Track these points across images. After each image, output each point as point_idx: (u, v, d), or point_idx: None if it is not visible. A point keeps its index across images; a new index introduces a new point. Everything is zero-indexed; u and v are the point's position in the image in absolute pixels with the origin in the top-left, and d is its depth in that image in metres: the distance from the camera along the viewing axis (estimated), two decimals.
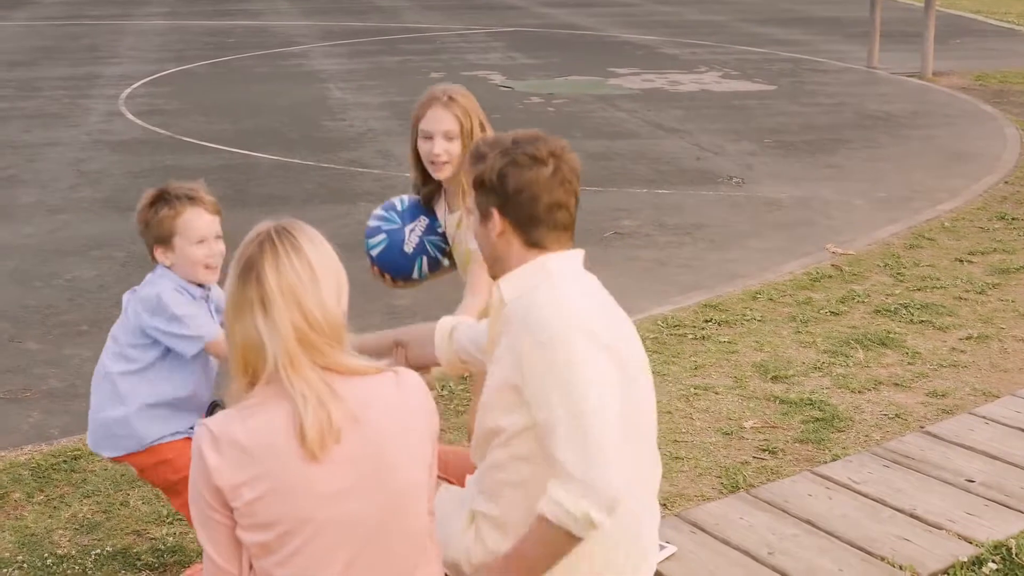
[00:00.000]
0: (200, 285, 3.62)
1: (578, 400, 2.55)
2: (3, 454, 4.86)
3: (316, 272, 2.23)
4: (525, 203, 2.74)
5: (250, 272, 2.21)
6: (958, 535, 3.92)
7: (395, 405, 2.27)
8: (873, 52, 16.71)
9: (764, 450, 4.92)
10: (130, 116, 12.81)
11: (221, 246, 3.62)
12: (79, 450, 4.85)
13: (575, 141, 11.58)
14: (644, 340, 6.24)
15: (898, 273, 7.46)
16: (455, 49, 18.39)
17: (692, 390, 5.57)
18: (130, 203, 8.79)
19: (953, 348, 6.17)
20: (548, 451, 2.57)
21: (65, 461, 4.77)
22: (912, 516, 4.04)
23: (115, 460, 3.73)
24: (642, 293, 7.08)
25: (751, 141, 11.63)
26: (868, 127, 12.42)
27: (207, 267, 3.60)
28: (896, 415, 5.29)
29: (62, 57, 17.76)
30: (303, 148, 11.08)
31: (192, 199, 3.58)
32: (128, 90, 14.51)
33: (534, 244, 2.80)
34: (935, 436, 4.75)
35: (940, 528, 3.96)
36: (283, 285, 2.20)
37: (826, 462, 4.67)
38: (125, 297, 3.71)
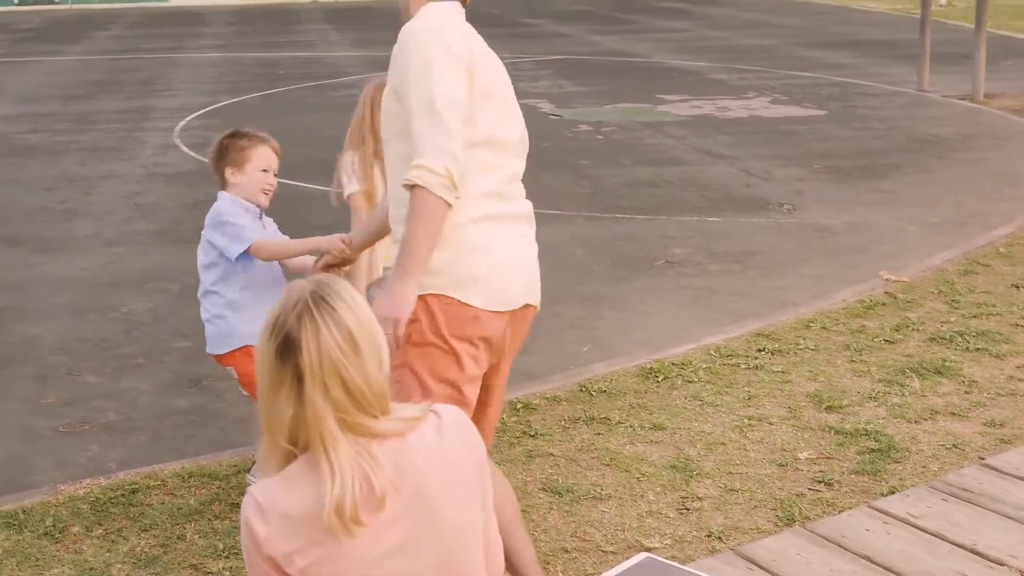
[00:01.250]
0: (256, 207, 4.50)
1: (429, 90, 3.24)
2: (62, 488, 4.91)
3: (358, 342, 2.16)
4: None
5: (288, 348, 2.15)
6: (1020, 571, 3.87)
7: (437, 451, 2.24)
8: (923, 75, 16.61)
9: (820, 482, 4.88)
10: (184, 148, 12.95)
11: (275, 180, 4.58)
12: (136, 484, 4.89)
13: (624, 168, 11.62)
14: (696, 370, 6.27)
15: (953, 300, 7.40)
16: None
17: (746, 421, 5.55)
18: (185, 235, 8.97)
19: (1011, 376, 6.11)
20: (410, 134, 3.27)
21: (123, 495, 4.81)
22: (972, 551, 4.00)
23: (225, 362, 4.49)
24: (694, 322, 7.06)
25: (801, 167, 11.59)
26: (919, 151, 12.34)
27: (264, 192, 4.51)
28: (953, 445, 5.23)
29: (118, 90, 18.00)
30: None
31: (264, 139, 4.56)
32: (182, 122, 14.67)
33: None
34: (994, 468, 4.70)
35: (1001, 564, 3.92)
36: (324, 360, 2.14)
37: (883, 494, 4.63)
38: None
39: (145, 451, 5.33)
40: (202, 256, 4.47)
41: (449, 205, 3.20)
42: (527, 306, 3.48)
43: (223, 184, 4.49)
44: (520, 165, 3.57)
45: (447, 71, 3.25)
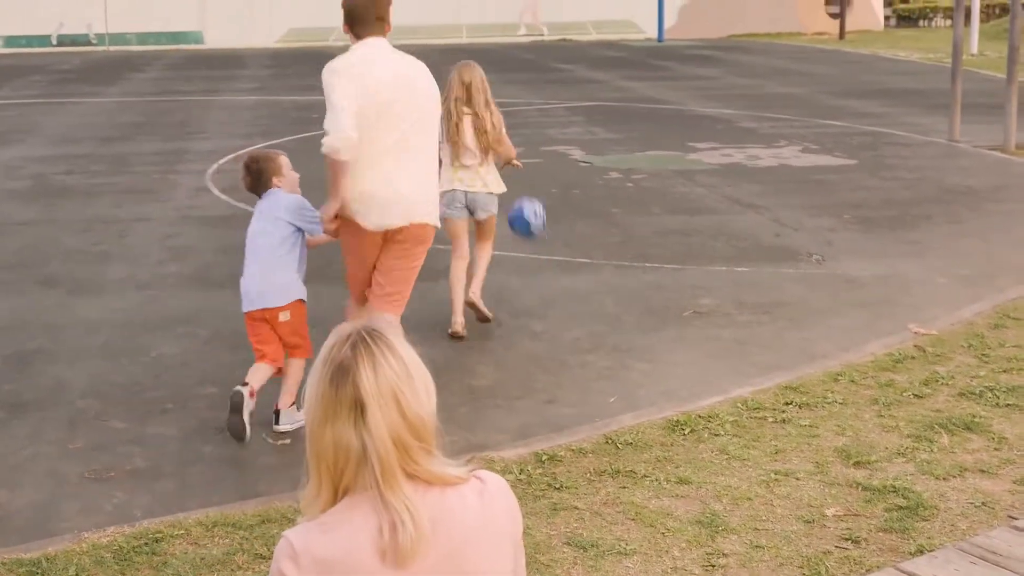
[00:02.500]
0: None
1: (329, 95, 5.77)
2: (86, 535, 4.93)
3: (411, 371, 2.20)
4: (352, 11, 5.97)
5: (345, 375, 2.17)
6: None
7: (477, 514, 2.25)
8: (954, 125, 16.59)
9: (847, 539, 4.85)
10: (216, 192, 13.05)
11: None
12: (160, 532, 4.91)
13: (654, 217, 11.63)
14: (723, 423, 6.25)
15: (983, 354, 7.36)
16: (535, 124, 18.55)
17: (772, 475, 5.52)
18: (216, 279, 9.02)
19: None
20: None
21: (146, 543, 4.82)
22: None
23: (285, 308, 6.06)
24: (721, 374, 7.04)
25: (831, 216, 11.57)
26: (950, 202, 12.31)
27: (297, 186, 6.44)
28: (983, 503, 5.19)
29: (153, 132, 18.17)
30: None
31: (280, 152, 6.55)
32: (215, 165, 14.79)
33: (357, 36, 5.98)
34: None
35: None
36: (382, 385, 2.16)
37: (911, 553, 4.60)
38: (261, 209, 6.26)
39: (170, 498, 5.34)
40: (275, 231, 6.12)
41: (346, 162, 5.82)
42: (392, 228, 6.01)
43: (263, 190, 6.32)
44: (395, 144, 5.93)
45: (340, 83, 5.79)
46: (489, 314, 7.97)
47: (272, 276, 6.09)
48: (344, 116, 5.67)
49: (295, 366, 6.10)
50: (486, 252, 8.03)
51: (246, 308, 6.12)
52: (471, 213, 7.85)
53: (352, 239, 6.07)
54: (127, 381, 6.99)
